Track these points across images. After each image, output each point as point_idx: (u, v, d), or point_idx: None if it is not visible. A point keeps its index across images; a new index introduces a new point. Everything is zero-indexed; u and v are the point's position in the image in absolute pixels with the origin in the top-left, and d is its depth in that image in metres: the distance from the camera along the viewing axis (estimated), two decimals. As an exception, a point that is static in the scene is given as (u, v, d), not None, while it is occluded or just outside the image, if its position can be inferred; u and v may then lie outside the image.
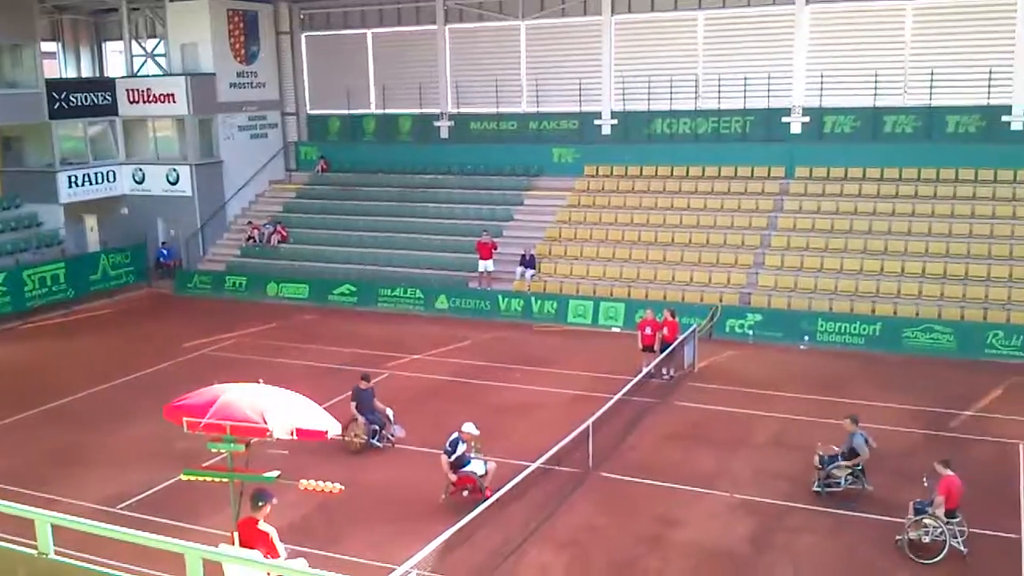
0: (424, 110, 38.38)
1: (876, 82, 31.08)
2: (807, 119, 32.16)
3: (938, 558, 14.08)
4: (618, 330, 28.06)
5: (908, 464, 17.73)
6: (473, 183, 36.29)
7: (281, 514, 11.81)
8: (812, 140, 32.18)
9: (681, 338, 23.56)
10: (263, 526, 11.34)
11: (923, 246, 28.01)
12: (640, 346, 23.49)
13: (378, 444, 18.90)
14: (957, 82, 30.29)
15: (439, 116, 38.13)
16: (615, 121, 35.04)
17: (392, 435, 18.96)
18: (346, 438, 18.53)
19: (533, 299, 30.04)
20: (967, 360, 24.43)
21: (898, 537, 14.65)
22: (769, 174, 32.16)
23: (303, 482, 11.14)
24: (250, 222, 37.50)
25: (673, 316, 23.95)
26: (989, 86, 29.77)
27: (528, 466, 16.18)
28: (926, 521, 14.26)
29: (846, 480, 16.11)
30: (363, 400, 19.00)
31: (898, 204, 29.61)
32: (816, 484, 16.45)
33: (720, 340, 26.64)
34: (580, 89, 35.28)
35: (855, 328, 26.16)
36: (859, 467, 16.13)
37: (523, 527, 15.24)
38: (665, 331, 23.38)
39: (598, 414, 18.03)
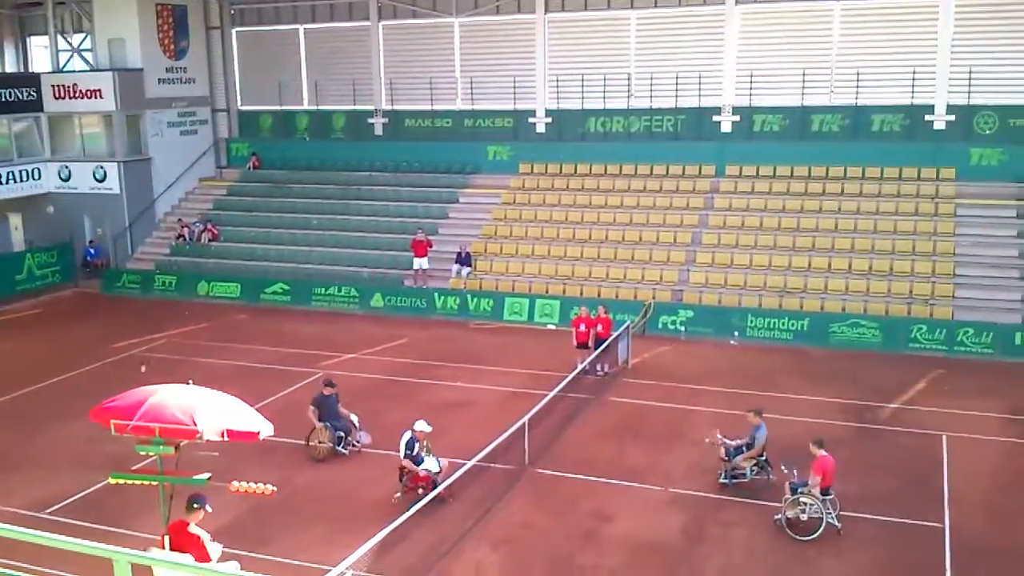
0: (358, 107, 38.13)
1: (804, 82, 31.70)
2: (737, 118, 32.67)
3: (816, 534, 14.71)
4: (553, 327, 28.21)
5: (836, 455, 18.11)
6: (408, 180, 36.16)
7: (213, 517, 11.62)
8: (742, 139, 32.71)
9: (615, 335, 23.79)
10: (194, 529, 11.19)
11: (849, 243, 28.66)
12: (575, 343, 23.66)
13: (344, 451, 18.42)
14: (882, 82, 31.06)
15: (373, 113, 37.92)
16: (549, 119, 35.21)
17: (358, 441, 18.54)
18: (310, 444, 18.27)
19: (469, 297, 30.06)
20: (892, 354, 25.08)
21: (776, 516, 15.21)
22: (700, 172, 32.62)
23: (235, 484, 11.00)
24: (180, 220, 36.86)
25: (607, 313, 24.17)
26: (913, 86, 30.57)
27: (464, 464, 16.20)
28: (803, 500, 14.87)
29: (751, 471, 16.38)
30: (327, 406, 18.45)
31: (825, 202, 30.25)
32: (723, 476, 16.78)
33: (653, 336, 26.96)
34: (515, 87, 35.37)
35: (784, 324, 26.68)
36: (763, 458, 16.43)
37: (459, 525, 15.25)
38: (599, 328, 23.59)
39: (534, 411, 18.13)
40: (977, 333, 25.00)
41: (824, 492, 14.82)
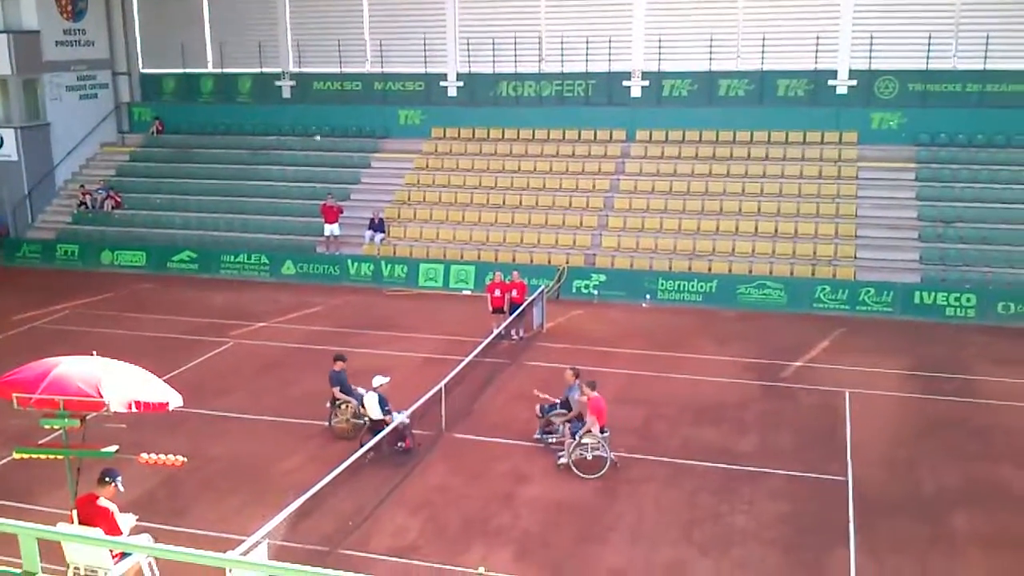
0: (265, 69, 37.30)
1: (711, 47, 32.10)
2: (647, 83, 32.94)
3: (603, 471, 15.55)
4: (469, 293, 28.26)
5: (743, 414, 18.70)
6: (317, 145, 35.61)
7: (123, 489, 11.44)
8: (651, 103, 33.01)
9: (530, 299, 23.94)
10: (104, 502, 11.01)
11: (755, 206, 29.29)
12: (490, 308, 23.77)
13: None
14: (787, 47, 31.64)
15: (280, 76, 37.14)
16: (461, 83, 34.97)
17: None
18: (332, 423, 17.54)
19: (383, 263, 29.86)
20: (797, 314, 25.83)
21: (561, 461, 15.93)
22: (611, 137, 32.87)
23: (144, 455, 10.85)
24: (82, 187, 35.64)
25: (521, 278, 24.31)
26: (816, 51, 31.24)
27: (380, 431, 16.18)
28: (585, 440, 15.70)
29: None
30: (342, 382, 17.60)
31: (732, 166, 30.82)
32: (537, 433, 17.17)
33: (567, 301, 27.22)
34: (425, 50, 34.99)
35: (693, 286, 27.21)
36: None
37: (376, 492, 15.26)
38: (514, 293, 23.71)
39: (450, 376, 18.18)
40: (878, 292, 25.89)
41: (601, 431, 15.67)
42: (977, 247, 26.95)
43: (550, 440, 16.92)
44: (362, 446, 15.50)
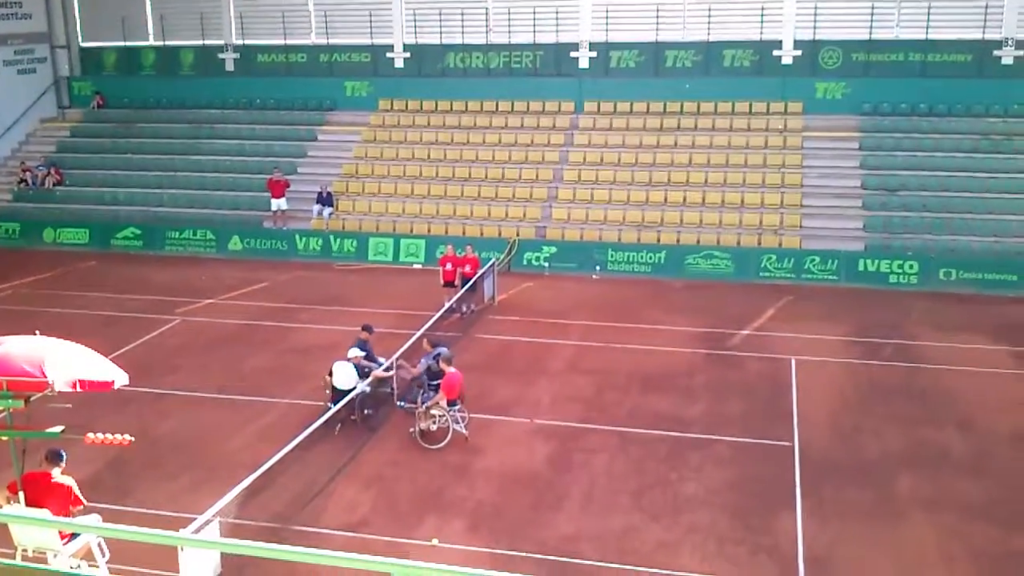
0: (207, 42, 36.62)
1: (658, 17, 32.14)
2: (594, 54, 32.93)
3: (444, 442, 15.91)
4: (419, 267, 28.17)
5: (691, 382, 18.94)
6: (263, 118, 35.12)
7: (71, 471, 11.30)
8: (599, 74, 33.02)
9: (481, 272, 23.93)
10: (62, 478, 10.91)
11: (703, 176, 29.52)
12: (441, 282, 23.71)
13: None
14: (733, 18, 31.81)
15: (223, 48, 36.50)
16: (408, 54, 34.66)
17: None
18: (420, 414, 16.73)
19: (332, 237, 29.63)
20: (744, 283, 26.16)
21: (411, 429, 16.25)
22: (560, 108, 32.84)
23: (90, 435, 10.70)
24: (22, 163, 34.79)
25: (474, 252, 24.25)
26: (762, 22, 31.44)
27: (331, 408, 16.14)
28: (433, 412, 16.06)
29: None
30: (369, 353, 17.62)
31: (680, 136, 30.99)
32: (402, 403, 17.42)
33: (518, 273, 27.26)
34: (371, 20, 34.59)
35: (642, 257, 27.41)
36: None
37: (329, 467, 15.23)
38: (467, 268, 23.63)
39: (401, 350, 18.12)
40: (823, 261, 26.30)
41: (451, 404, 15.99)
42: (920, 215, 27.46)
43: (403, 405, 17.27)
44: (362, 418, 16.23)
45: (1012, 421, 16.92)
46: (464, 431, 16.12)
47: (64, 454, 11.06)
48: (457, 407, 16.17)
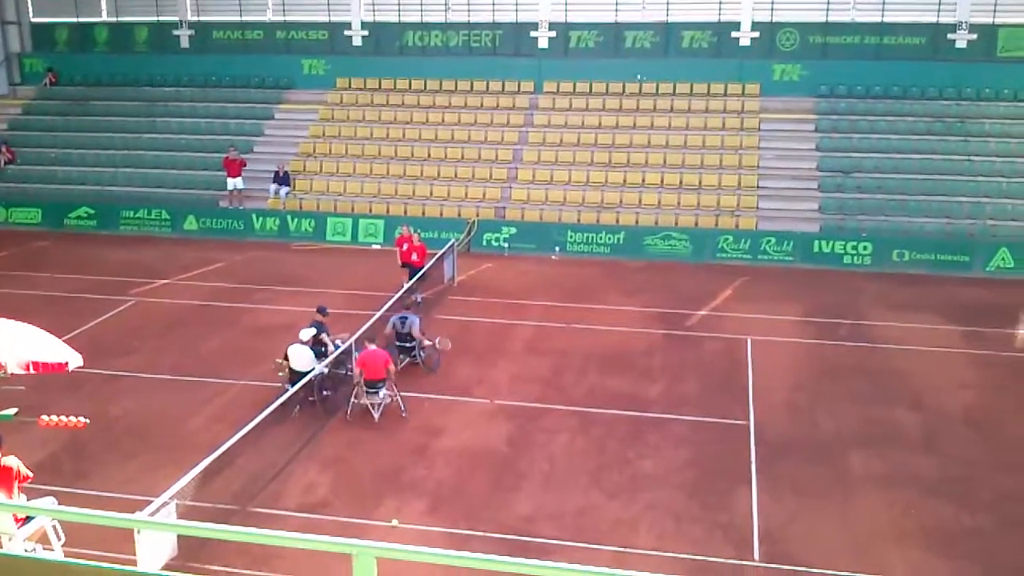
0: (162, 18, 36.00)
1: (618, -2, 32.19)
2: (553, 34, 32.87)
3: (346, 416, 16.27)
4: (378, 247, 28.05)
5: (649, 362, 19.09)
6: (218, 96, 34.66)
7: (26, 454, 11.14)
8: (559, 55, 32.98)
9: (440, 253, 23.83)
10: (5, 460, 10.76)
11: (661, 157, 29.66)
12: (399, 262, 23.58)
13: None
14: (691, -1, 31.94)
15: (178, 24, 35.91)
16: (366, 32, 34.37)
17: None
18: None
19: (289, 217, 29.40)
20: (701, 264, 26.39)
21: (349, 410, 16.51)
22: (519, 88, 32.79)
23: (44, 418, 10.58)
24: (-31, 142, 34.12)
25: (420, 241, 23.51)
26: (720, 3, 31.56)
27: (288, 389, 16.04)
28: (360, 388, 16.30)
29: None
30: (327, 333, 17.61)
31: (638, 118, 31.08)
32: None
33: (478, 254, 27.26)
34: (328, -2, 34.26)
35: (601, 238, 27.53)
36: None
37: (287, 449, 15.16)
38: (414, 256, 23.06)
39: (360, 332, 18.05)
40: (779, 242, 26.59)
41: (370, 384, 16.14)
42: (874, 196, 27.83)
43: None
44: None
45: (962, 400, 17.27)
46: (374, 411, 16.18)
47: (0, 436, 10.85)
48: (381, 386, 16.16)
